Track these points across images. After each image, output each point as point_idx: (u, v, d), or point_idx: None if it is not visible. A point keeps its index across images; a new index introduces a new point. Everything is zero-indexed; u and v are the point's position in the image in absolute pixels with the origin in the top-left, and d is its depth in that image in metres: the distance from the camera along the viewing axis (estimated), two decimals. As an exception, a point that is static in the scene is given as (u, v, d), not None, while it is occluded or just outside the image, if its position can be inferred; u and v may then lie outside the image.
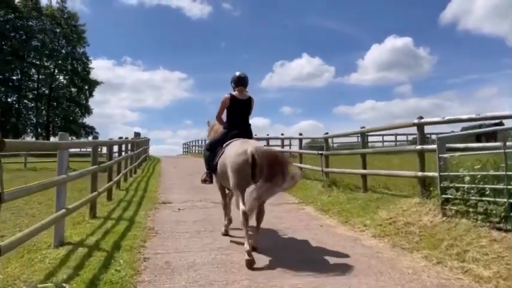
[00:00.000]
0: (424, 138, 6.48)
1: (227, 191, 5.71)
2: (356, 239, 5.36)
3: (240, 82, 5.55)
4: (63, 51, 44.06)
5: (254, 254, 4.26)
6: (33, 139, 43.16)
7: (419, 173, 6.27)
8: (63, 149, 4.82)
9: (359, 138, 12.44)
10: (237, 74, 5.59)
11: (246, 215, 4.30)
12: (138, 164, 16.69)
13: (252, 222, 4.57)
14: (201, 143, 31.83)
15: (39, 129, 43.07)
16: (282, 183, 4.32)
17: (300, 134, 11.81)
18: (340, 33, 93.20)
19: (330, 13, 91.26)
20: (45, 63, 42.99)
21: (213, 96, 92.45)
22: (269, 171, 4.27)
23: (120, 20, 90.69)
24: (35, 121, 42.33)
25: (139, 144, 18.01)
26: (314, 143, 27.76)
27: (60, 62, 42.78)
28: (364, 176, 8.06)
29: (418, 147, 6.36)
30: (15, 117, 41.22)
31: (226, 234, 5.50)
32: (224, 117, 5.65)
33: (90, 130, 46.32)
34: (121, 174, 9.81)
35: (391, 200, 6.96)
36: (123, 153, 12.07)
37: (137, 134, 24.46)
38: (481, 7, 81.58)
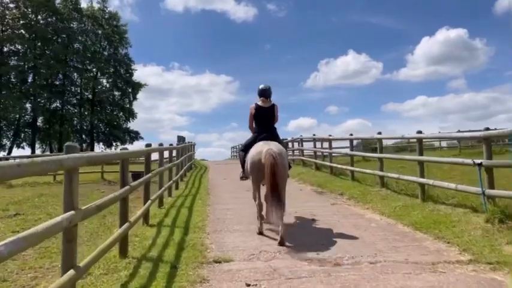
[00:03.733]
0: None
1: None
2: None
3: (262, 93, 6.42)
4: (105, 53, 42.26)
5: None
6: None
7: None
8: None
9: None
10: (260, 86, 6.44)
11: (260, 207, 5.75)
12: (180, 176, 13.28)
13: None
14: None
15: (83, 136, 41.41)
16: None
17: (439, 132, 7.75)
18: (387, 28, 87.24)
19: (374, 8, 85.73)
20: (88, 67, 41.28)
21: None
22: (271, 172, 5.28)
23: (167, 26, 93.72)
24: (78, 127, 40.61)
25: (182, 150, 14.62)
26: (366, 143, 24.25)
27: (102, 64, 40.83)
28: None
29: None
30: (58, 124, 39.66)
31: (260, 233, 5.67)
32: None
33: (134, 135, 44.21)
34: (147, 204, 6.21)
35: None
36: (162, 164, 8.62)
37: (181, 139, 21.25)
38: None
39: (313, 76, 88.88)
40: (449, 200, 7.00)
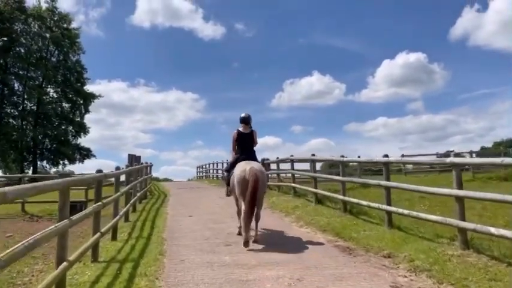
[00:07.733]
0: None
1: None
2: None
3: (243, 121, 7.59)
4: (53, 59, 37.00)
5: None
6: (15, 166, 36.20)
7: None
8: None
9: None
10: (242, 115, 7.59)
11: (246, 214, 6.36)
12: (125, 214, 9.08)
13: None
14: (222, 166, 24.32)
15: (24, 153, 35.79)
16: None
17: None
18: (350, 51, 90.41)
19: (338, 31, 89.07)
20: (32, 74, 35.94)
21: (224, 116, 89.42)
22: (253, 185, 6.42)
23: (133, 42, 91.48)
24: (19, 143, 34.96)
25: (130, 176, 10.41)
26: (332, 164, 22.03)
27: (49, 71, 35.48)
28: None
29: None
30: (-7, 139, 33.97)
31: (246, 242, 6.20)
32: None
33: (86, 153, 38.97)
34: None
35: None
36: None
37: (134, 159, 16.93)
38: (492, 22, 75.21)
39: (278, 96, 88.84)
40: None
